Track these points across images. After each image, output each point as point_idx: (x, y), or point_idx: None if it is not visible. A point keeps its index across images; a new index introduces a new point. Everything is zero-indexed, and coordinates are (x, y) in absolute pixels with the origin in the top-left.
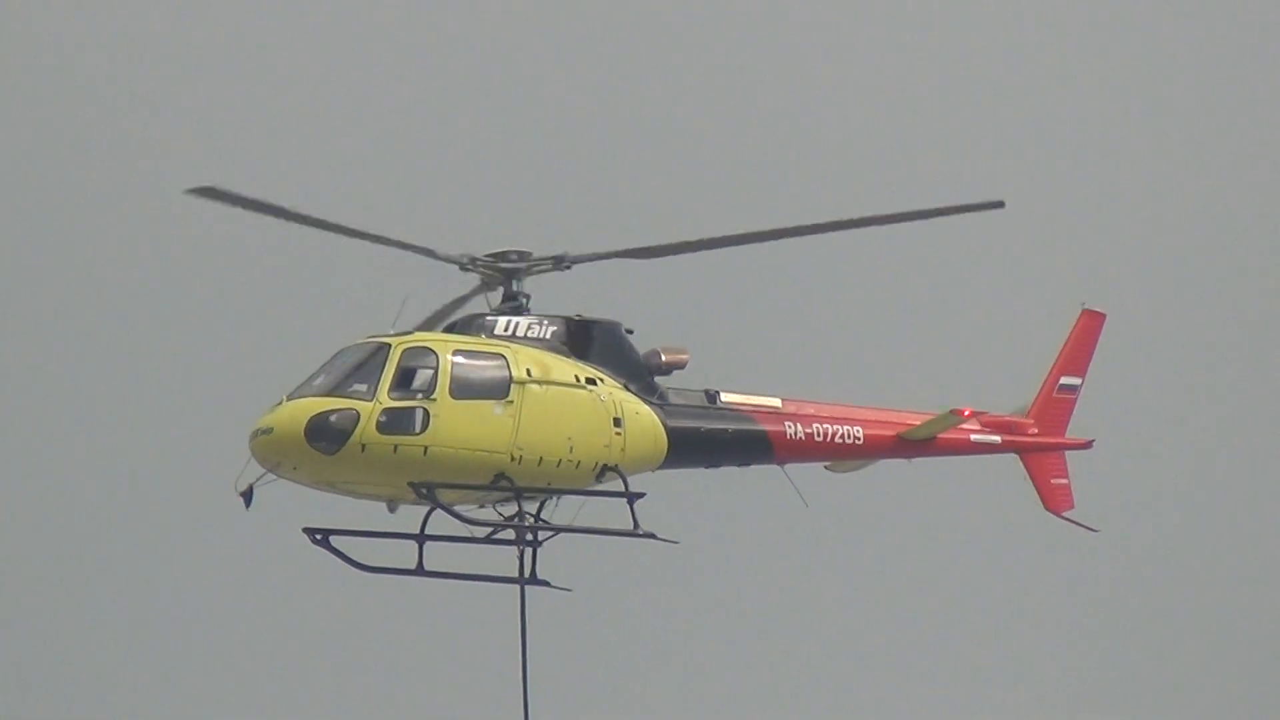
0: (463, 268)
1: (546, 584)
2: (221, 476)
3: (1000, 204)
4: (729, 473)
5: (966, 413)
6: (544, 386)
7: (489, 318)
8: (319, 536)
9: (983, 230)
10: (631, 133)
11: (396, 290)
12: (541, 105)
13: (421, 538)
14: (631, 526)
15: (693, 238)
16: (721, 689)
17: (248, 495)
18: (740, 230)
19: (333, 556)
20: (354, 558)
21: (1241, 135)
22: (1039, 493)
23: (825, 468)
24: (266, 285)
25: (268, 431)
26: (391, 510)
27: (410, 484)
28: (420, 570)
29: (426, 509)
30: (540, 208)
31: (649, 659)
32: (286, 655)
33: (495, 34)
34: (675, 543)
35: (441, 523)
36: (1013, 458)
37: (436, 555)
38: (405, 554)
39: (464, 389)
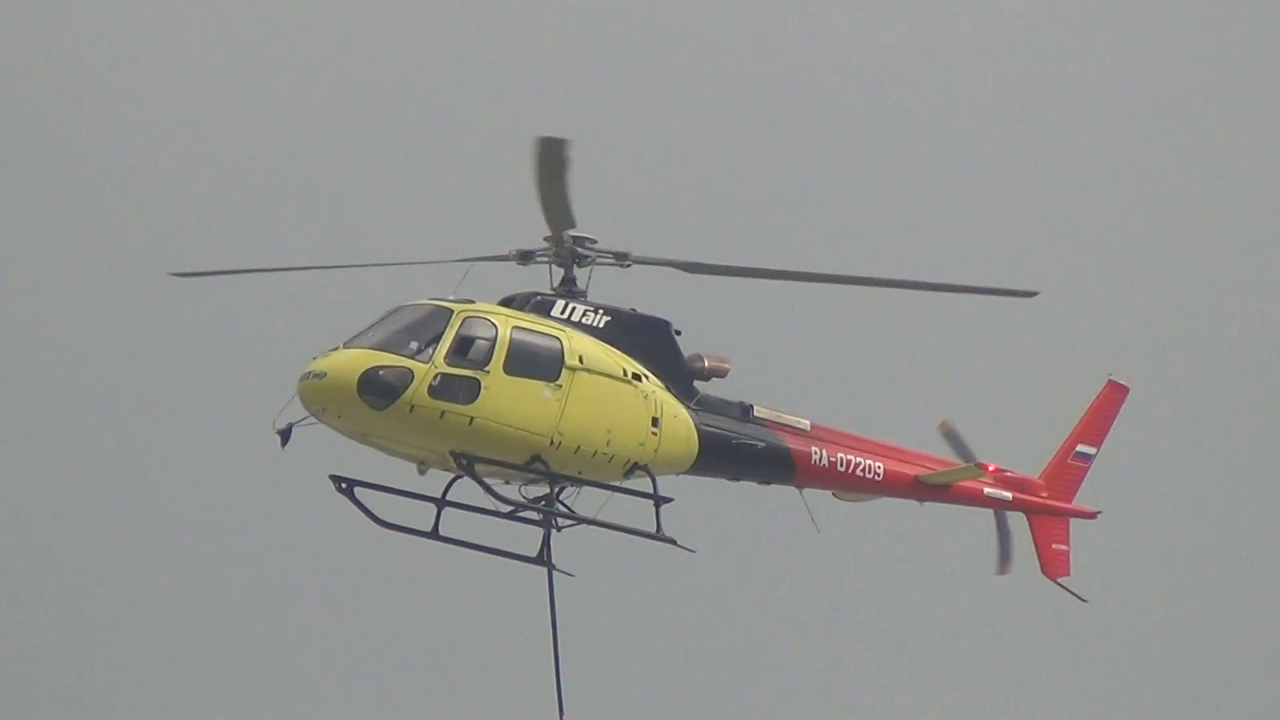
0: (519, 263)
1: (552, 566)
2: (262, 414)
3: (1034, 293)
4: (742, 489)
5: (991, 469)
6: (593, 376)
7: (547, 297)
8: (344, 485)
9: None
10: (714, 155)
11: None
12: (635, 116)
13: (442, 503)
14: (654, 528)
15: (751, 264)
16: (712, 694)
17: (285, 434)
18: (792, 268)
19: (354, 507)
20: (374, 511)
21: (1260, 224)
22: (1039, 555)
23: (833, 494)
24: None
25: (320, 375)
26: (421, 472)
27: (452, 452)
28: (435, 534)
29: (452, 476)
30: (613, 207)
31: (643, 654)
32: (293, 594)
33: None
34: (692, 551)
35: (464, 493)
36: (1019, 516)
37: (454, 523)
38: (424, 516)
39: (518, 366)
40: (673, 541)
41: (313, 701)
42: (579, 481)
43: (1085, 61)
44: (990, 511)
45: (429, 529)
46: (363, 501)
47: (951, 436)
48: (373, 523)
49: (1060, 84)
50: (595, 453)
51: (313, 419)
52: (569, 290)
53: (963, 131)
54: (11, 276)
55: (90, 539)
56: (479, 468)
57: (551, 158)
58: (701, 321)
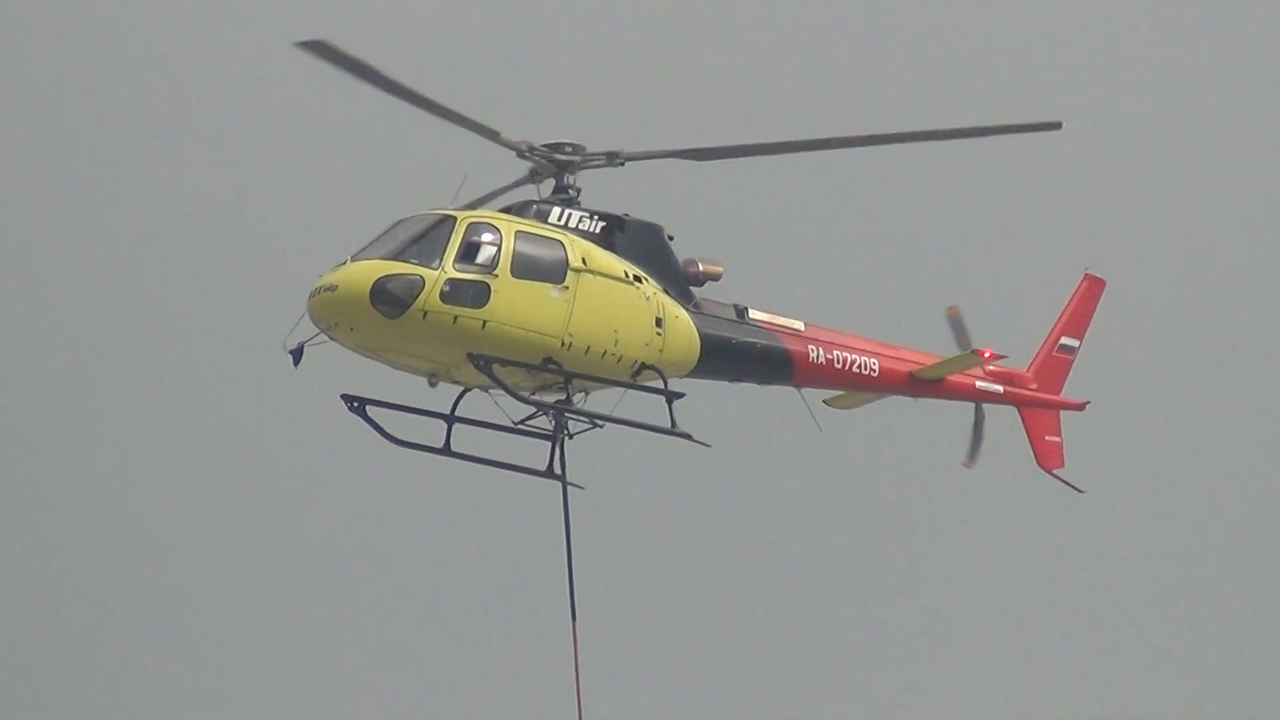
0: (520, 154)
1: (562, 479)
2: (269, 334)
3: (1058, 125)
4: (742, 390)
5: (987, 354)
6: (597, 277)
7: (543, 205)
8: (355, 404)
9: (991, 192)
10: (691, 38)
11: (450, 168)
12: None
13: (451, 419)
14: (668, 425)
15: (744, 143)
16: (737, 594)
17: (297, 353)
18: (789, 139)
19: (366, 425)
20: (386, 429)
21: (1245, 113)
22: (1033, 448)
23: (825, 402)
24: (326, 148)
25: (331, 289)
26: (432, 385)
27: (469, 355)
28: (446, 450)
29: (461, 390)
30: (598, 104)
31: (664, 559)
32: (309, 518)
33: None
34: (708, 446)
35: (473, 408)
36: (1007, 412)
37: (465, 439)
38: (437, 432)
39: (525, 269)
40: (688, 436)
41: (326, 619)
42: (593, 378)
43: None
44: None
45: (440, 445)
46: (375, 420)
47: (956, 324)
48: (385, 440)
49: None
50: (604, 353)
51: (324, 336)
52: (565, 199)
53: None
54: None
55: (107, 486)
56: (496, 369)
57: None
58: (695, 218)
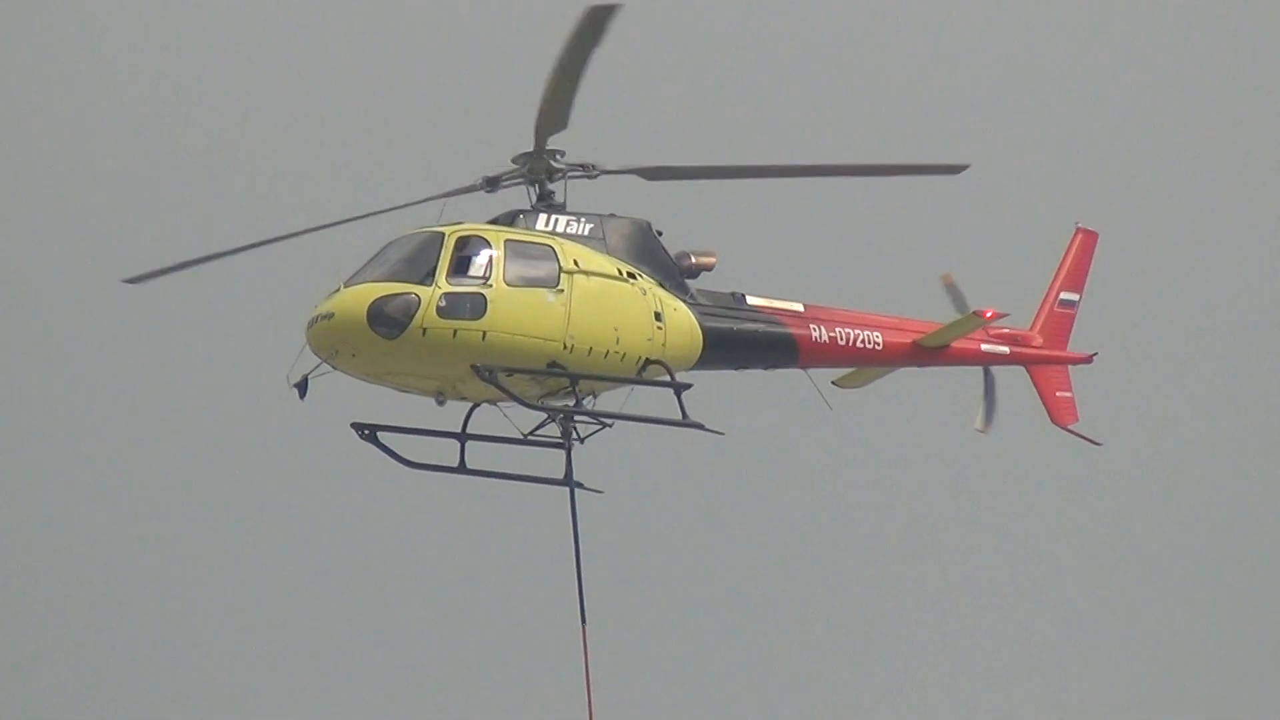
0: (486, 190)
1: (580, 485)
2: (268, 372)
3: (963, 167)
4: (749, 376)
5: (989, 313)
6: (590, 278)
7: (529, 213)
8: (366, 432)
9: (981, 154)
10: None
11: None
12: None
13: (463, 436)
14: (679, 417)
15: (711, 164)
16: (758, 589)
17: (302, 386)
18: (757, 163)
19: (379, 452)
20: (400, 454)
21: (1238, 59)
22: (1045, 405)
23: (833, 383)
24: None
25: (328, 317)
26: (440, 404)
27: (474, 367)
28: (462, 468)
29: (470, 406)
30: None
31: (683, 556)
32: (334, 549)
33: None
34: (721, 434)
35: (483, 423)
36: (1018, 371)
37: (477, 455)
38: (450, 452)
39: (518, 277)
40: (701, 426)
41: (349, 641)
42: (599, 378)
43: None
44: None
45: (455, 464)
46: (388, 445)
47: (952, 290)
48: (400, 464)
49: None
50: (607, 352)
51: (326, 366)
52: (548, 205)
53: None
54: None
55: (121, 514)
56: (501, 378)
57: (593, 28)
58: (678, 224)
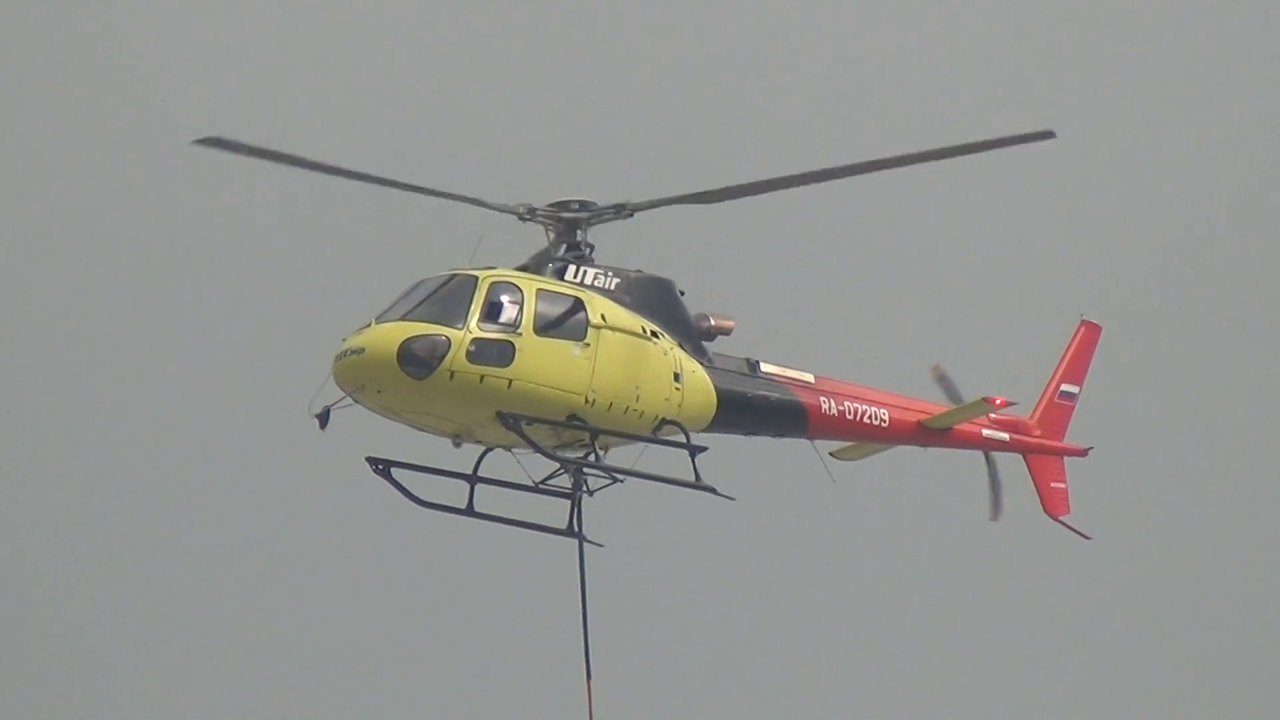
0: (521, 218)
1: (584, 538)
2: (294, 397)
3: (1051, 134)
4: (754, 443)
5: (998, 401)
6: (617, 333)
7: (558, 263)
8: (380, 466)
9: (989, 243)
10: (687, 83)
11: (459, 240)
12: (596, 60)
13: (474, 479)
14: (692, 479)
15: (746, 181)
16: (756, 650)
17: (324, 416)
18: (791, 173)
19: (391, 488)
20: (412, 491)
21: (1238, 157)
22: (1039, 495)
23: (832, 454)
24: (335, 226)
25: (358, 352)
26: (456, 446)
27: (499, 414)
28: (470, 511)
29: (483, 450)
30: (601, 158)
31: (684, 613)
32: (336, 579)
33: None
34: (732, 499)
35: (495, 468)
36: (1012, 460)
37: (487, 499)
38: (460, 492)
39: (547, 327)
40: (713, 490)
41: (347, 673)
42: (616, 434)
43: None
44: (981, 457)
45: (464, 506)
46: (400, 482)
47: (943, 379)
48: (410, 501)
49: None
50: (627, 408)
51: (349, 399)
52: (578, 256)
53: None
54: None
55: (131, 531)
56: (524, 426)
57: None
58: (705, 267)
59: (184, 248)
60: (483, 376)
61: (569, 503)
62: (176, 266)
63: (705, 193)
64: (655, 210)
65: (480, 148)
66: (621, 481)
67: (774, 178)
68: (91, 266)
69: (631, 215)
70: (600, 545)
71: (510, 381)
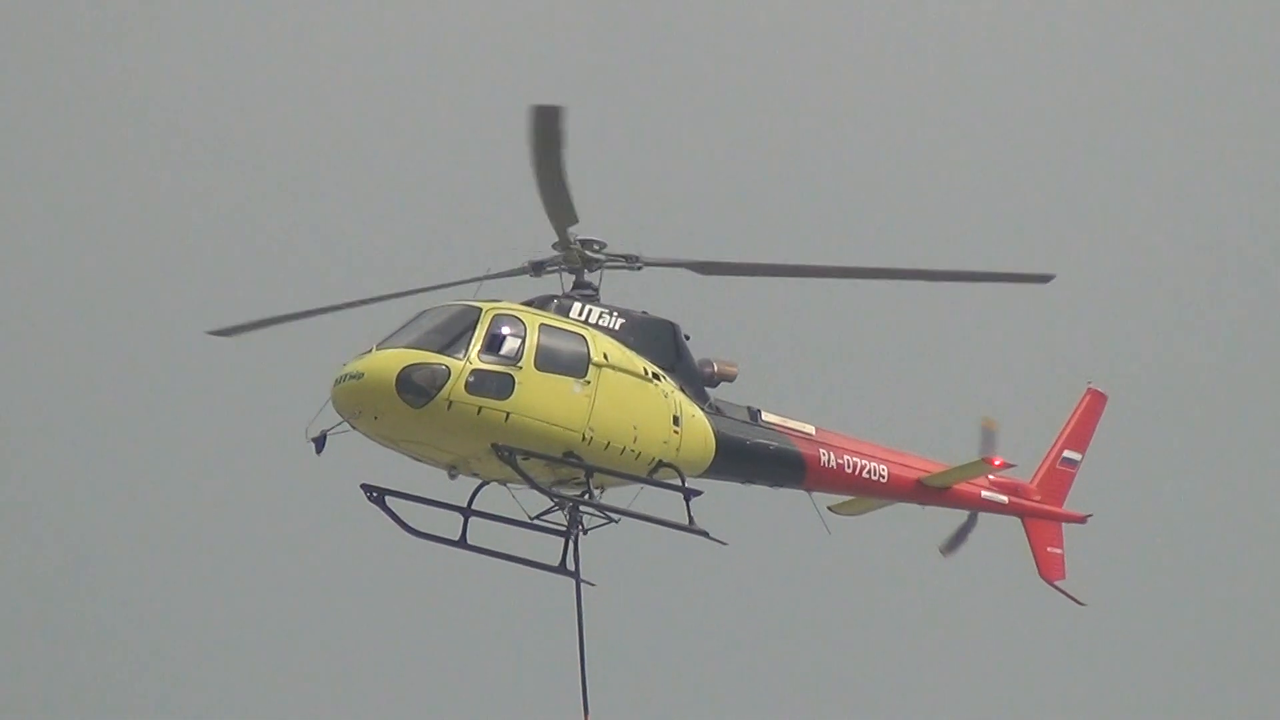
0: (531, 275)
1: (575, 575)
2: (291, 421)
3: (1049, 277)
4: (752, 491)
5: (997, 461)
6: (618, 373)
7: (564, 300)
8: (375, 494)
9: (1003, 303)
10: (720, 152)
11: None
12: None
13: (468, 512)
14: (686, 522)
15: (759, 261)
16: (745, 693)
17: (320, 441)
18: (801, 262)
19: (385, 515)
20: (404, 520)
21: (1243, 232)
22: (1035, 559)
23: (830, 508)
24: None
25: (357, 377)
26: (452, 477)
27: (494, 446)
28: (463, 543)
29: (479, 484)
30: (621, 212)
31: (669, 657)
32: (325, 606)
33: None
34: (724, 544)
35: (490, 502)
36: (1013, 521)
37: (481, 533)
38: (454, 524)
39: (548, 362)
40: (705, 534)
41: (335, 706)
42: (612, 473)
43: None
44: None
45: (456, 538)
46: (393, 510)
47: (989, 435)
48: (403, 530)
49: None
50: (624, 449)
51: (346, 425)
52: (584, 294)
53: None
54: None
55: (123, 554)
56: (520, 461)
57: (546, 130)
58: (709, 323)
59: (182, 260)
60: (480, 408)
61: (562, 539)
62: (177, 278)
63: (715, 264)
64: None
65: (486, 198)
66: (616, 521)
67: (785, 264)
68: (91, 275)
69: (640, 268)
70: (591, 584)
71: (508, 415)
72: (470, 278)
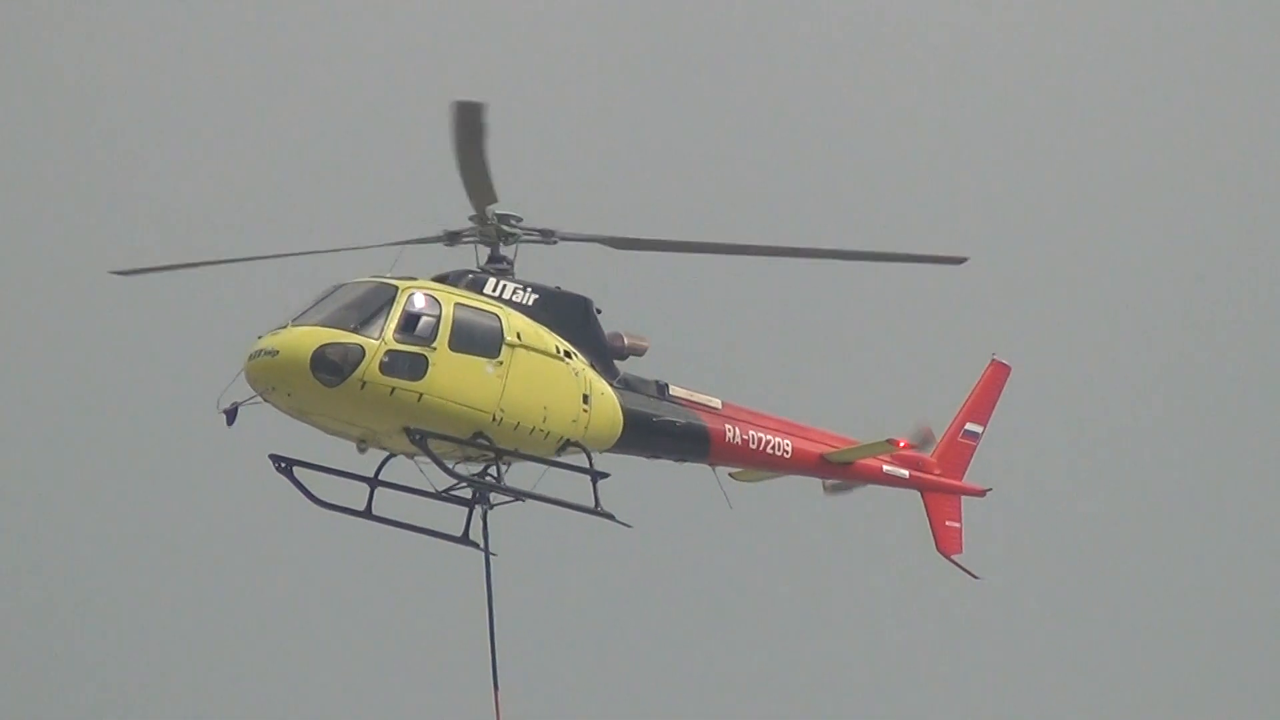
0: (446, 244)
1: (476, 545)
2: (200, 392)
3: (963, 259)
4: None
5: (902, 444)
6: (530, 352)
7: (479, 275)
8: (283, 465)
9: (908, 278)
10: (638, 132)
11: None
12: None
13: (374, 482)
14: (592, 503)
15: (674, 238)
16: (653, 662)
17: (231, 413)
18: (715, 240)
19: (291, 486)
20: (312, 491)
21: (1153, 199)
22: (934, 532)
23: (731, 475)
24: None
25: (272, 354)
26: (361, 450)
27: (405, 428)
28: (368, 514)
29: (386, 455)
30: (537, 186)
31: (576, 630)
32: (233, 577)
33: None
34: (629, 526)
35: (397, 473)
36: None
37: (388, 503)
38: (361, 495)
39: (462, 343)
40: (611, 516)
41: (244, 677)
42: (521, 456)
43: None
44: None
45: (362, 509)
46: (301, 481)
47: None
48: (310, 501)
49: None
50: (533, 429)
51: (258, 398)
52: (498, 269)
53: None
54: None
55: (39, 524)
56: (431, 444)
57: (468, 123)
58: (623, 297)
59: (100, 238)
60: (393, 389)
61: (470, 511)
62: (89, 254)
63: (631, 239)
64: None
65: (407, 169)
66: (523, 500)
67: (698, 241)
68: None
69: (556, 243)
70: (494, 554)
71: (420, 395)
72: (385, 242)
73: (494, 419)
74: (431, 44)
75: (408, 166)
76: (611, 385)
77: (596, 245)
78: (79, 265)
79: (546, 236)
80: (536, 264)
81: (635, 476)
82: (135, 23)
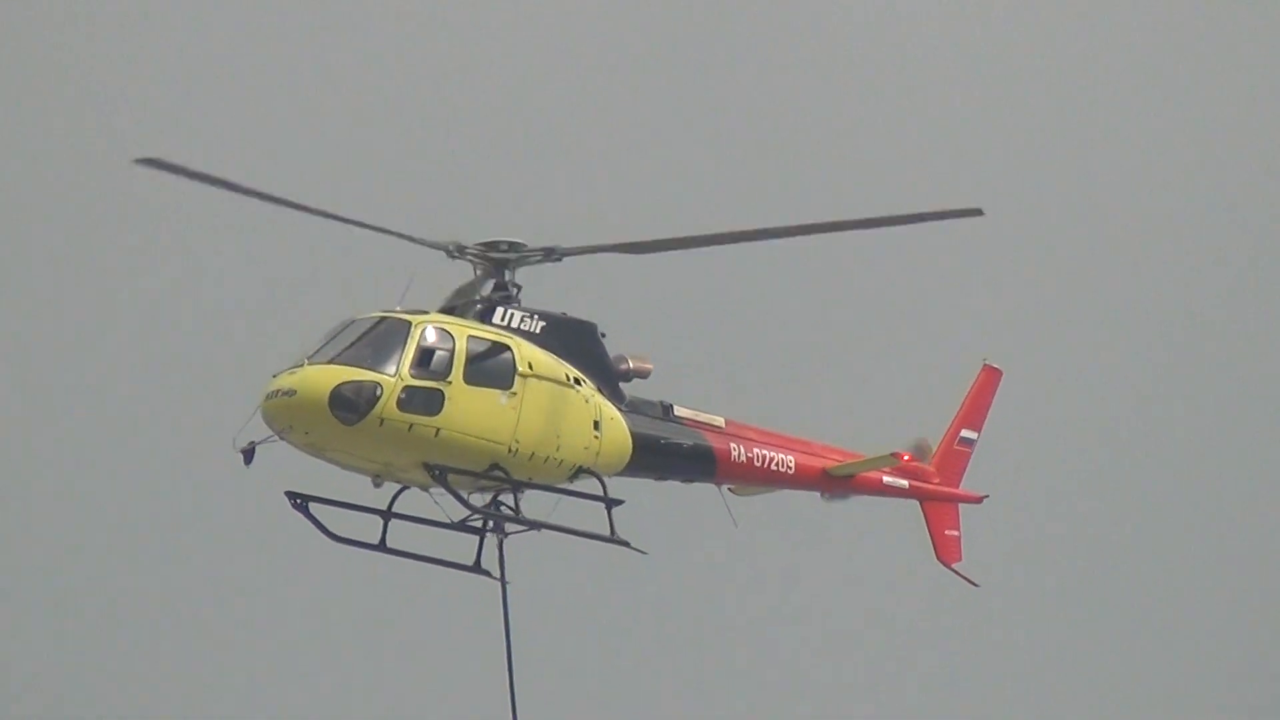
0: (449, 255)
1: (489, 574)
2: (217, 429)
3: (978, 211)
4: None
5: (906, 457)
6: (542, 382)
7: (486, 304)
8: (299, 501)
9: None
10: (629, 131)
11: (388, 274)
12: (541, 100)
13: (388, 515)
14: (607, 531)
15: (679, 235)
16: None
17: (249, 453)
18: (724, 230)
19: (308, 522)
20: (327, 526)
21: (1144, 201)
22: (933, 542)
23: (729, 489)
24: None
25: (289, 393)
26: (377, 485)
27: (425, 465)
28: (382, 546)
29: (399, 488)
30: (534, 200)
31: (595, 659)
32: (250, 613)
33: (498, 27)
34: (645, 553)
35: (410, 505)
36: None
37: (403, 536)
38: (376, 528)
39: (477, 375)
40: (626, 544)
41: (263, 713)
42: (535, 486)
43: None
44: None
45: (376, 542)
46: (317, 517)
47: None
48: (325, 537)
49: None
50: (547, 458)
51: (274, 437)
52: (505, 297)
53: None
54: None
55: (54, 551)
56: (450, 478)
57: None
58: (626, 311)
59: (114, 270)
60: (411, 425)
61: (481, 540)
62: (104, 289)
63: (636, 243)
64: (584, 256)
65: (413, 184)
66: (539, 530)
67: (703, 234)
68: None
69: (560, 259)
70: (508, 582)
71: (438, 430)
72: (392, 230)
73: (509, 450)
74: (432, 45)
75: (418, 169)
76: (620, 409)
77: (600, 257)
78: (82, 271)
79: (549, 255)
80: (539, 280)
81: (638, 499)
82: (146, 25)
